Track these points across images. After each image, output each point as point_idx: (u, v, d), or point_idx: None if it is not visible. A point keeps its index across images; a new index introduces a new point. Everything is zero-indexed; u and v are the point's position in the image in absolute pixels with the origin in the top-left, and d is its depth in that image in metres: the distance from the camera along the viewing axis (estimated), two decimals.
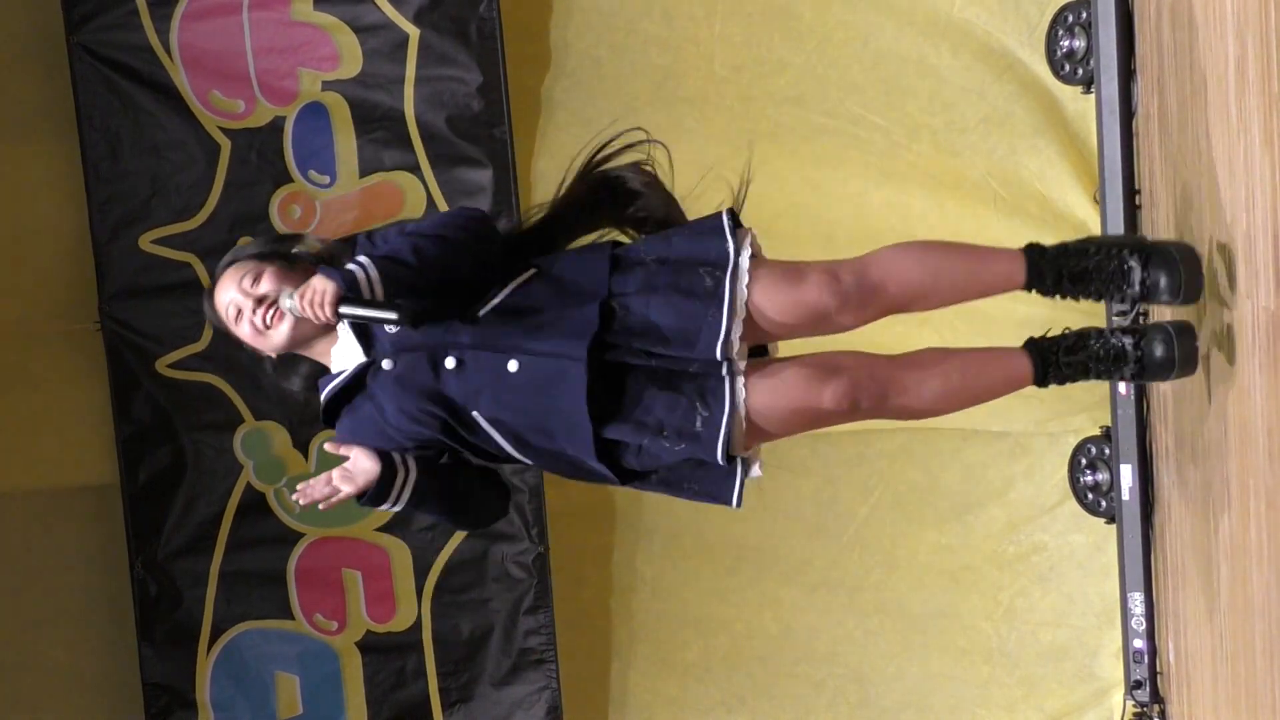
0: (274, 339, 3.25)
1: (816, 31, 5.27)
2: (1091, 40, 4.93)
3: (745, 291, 3.16)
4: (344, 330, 3.21)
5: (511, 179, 5.27)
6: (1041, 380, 3.36)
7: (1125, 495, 5.04)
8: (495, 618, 5.50)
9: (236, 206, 5.34)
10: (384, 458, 3.21)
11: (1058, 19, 5.08)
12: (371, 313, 3.06)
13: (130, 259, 5.35)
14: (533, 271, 3.22)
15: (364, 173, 5.34)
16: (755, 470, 3.28)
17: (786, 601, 5.58)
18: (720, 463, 3.14)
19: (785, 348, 3.39)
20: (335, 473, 3.25)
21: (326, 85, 5.29)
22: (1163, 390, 4.55)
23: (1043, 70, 5.15)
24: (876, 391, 3.21)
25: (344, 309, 3.04)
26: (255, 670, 5.52)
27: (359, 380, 3.23)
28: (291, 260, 3.29)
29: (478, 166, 5.29)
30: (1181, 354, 3.31)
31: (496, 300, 3.17)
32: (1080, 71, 5.03)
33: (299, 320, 3.19)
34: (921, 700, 5.53)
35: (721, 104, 5.33)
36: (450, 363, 3.14)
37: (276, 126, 5.32)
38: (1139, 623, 5.05)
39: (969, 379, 3.30)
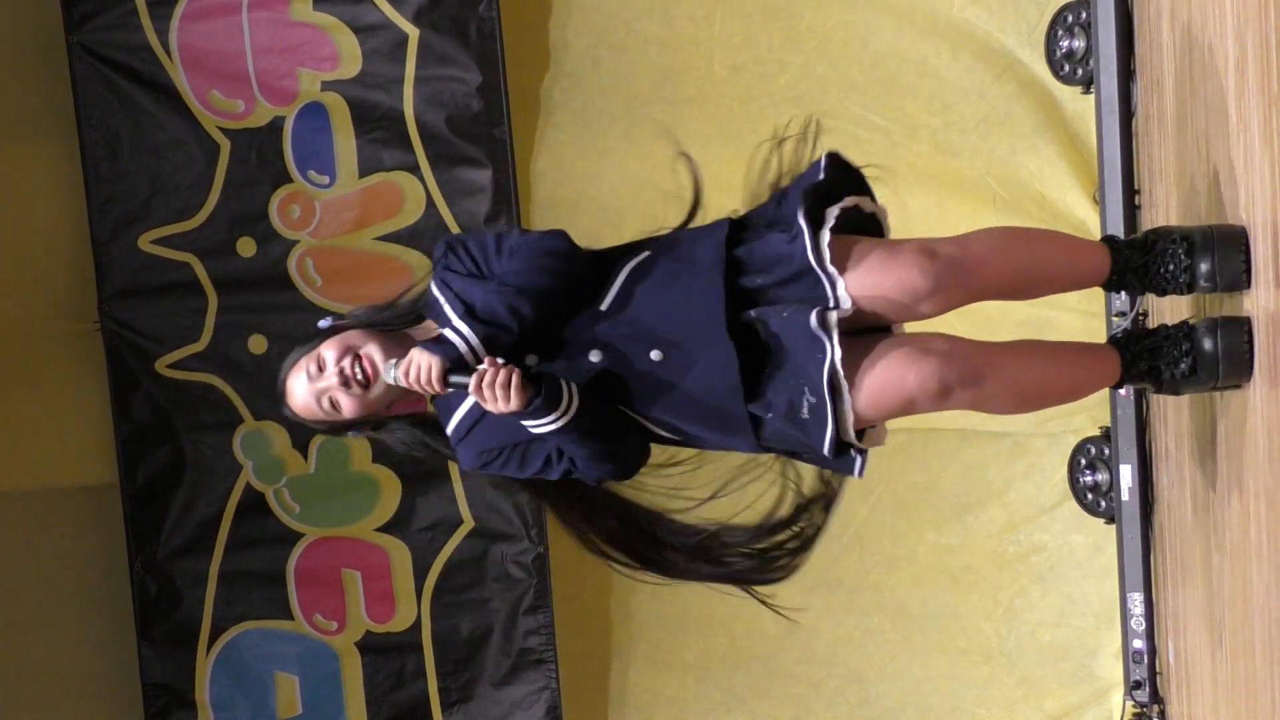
0: (378, 388, 3.10)
1: (816, 32, 5.27)
2: (1091, 40, 4.93)
3: (829, 231, 3.01)
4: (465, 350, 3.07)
5: (511, 179, 5.27)
6: (1125, 380, 3.22)
7: (1125, 495, 5.04)
8: (495, 618, 5.50)
9: (236, 206, 5.35)
10: (545, 373, 3.02)
11: (1057, 19, 5.08)
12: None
13: (130, 259, 5.35)
14: (646, 254, 3.11)
15: (363, 173, 5.34)
16: (880, 439, 3.16)
17: (786, 601, 5.56)
18: (829, 455, 3.04)
19: None
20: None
21: (326, 85, 5.29)
22: None
23: (1042, 70, 5.15)
24: (971, 374, 3.06)
25: (453, 379, 2.98)
26: (255, 670, 5.52)
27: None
28: (333, 330, 3.15)
29: (477, 166, 5.29)
30: (1225, 346, 3.07)
31: (615, 289, 3.07)
32: (1080, 71, 5.03)
33: (399, 349, 3.08)
34: (921, 700, 5.53)
35: (721, 104, 5.33)
36: (594, 356, 3.04)
37: (276, 126, 5.32)
38: (1139, 623, 5.05)
39: (1063, 372, 3.17)
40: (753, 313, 3.05)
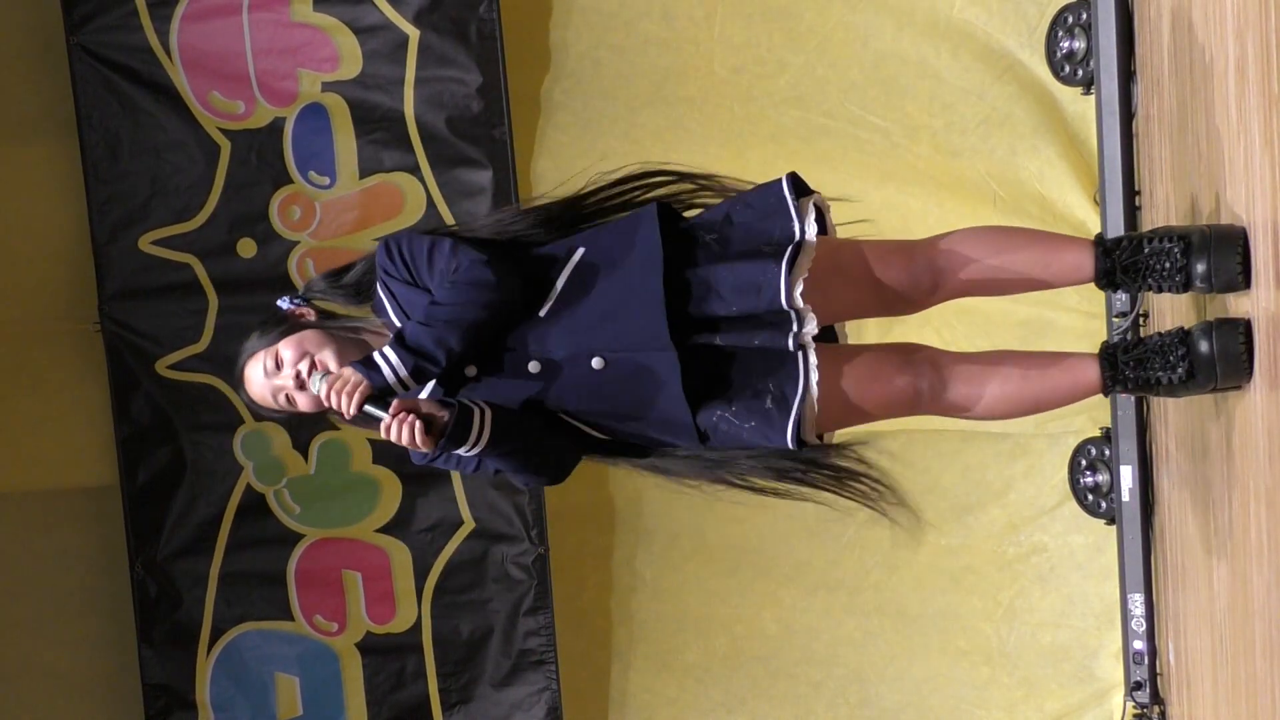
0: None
1: (817, 32, 5.27)
2: (1091, 41, 4.93)
3: (809, 262, 3.06)
4: None
5: (511, 180, 5.27)
6: (1110, 388, 3.22)
7: (1125, 496, 5.04)
8: (495, 619, 5.50)
9: (236, 207, 5.35)
10: (457, 402, 3.11)
11: (1057, 20, 5.08)
12: (382, 414, 3.08)
13: (130, 260, 5.35)
14: (581, 253, 3.15)
15: (364, 174, 5.34)
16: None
17: (786, 602, 5.58)
18: (791, 446, 3.08)
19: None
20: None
21: (326, 86, 5.29)
22: None
23: (1043, 71, 5.15)
24: (940, 384, 3.14)
25: (368, 408, 3.08)
26: (255, 671, 5.52)
27: (445, 388, 3.18)
28: (292, 324, 3.24)
29: (477, 167, 5.29)
30: (1220, 349, 3.05)
31: (555, 295, 3.12)
32: (1080, 72, 5.03)
33: (354, 352, 3.18)
34: (921, 701, 5.53)
35: (721, 105, 5.33)
36: (534, 366, 3.11)
37: (276, 127, 5.32)
38: (1139, 624, 5.05)
39: (1034, 383, 3.20)
40: (718, 339, 3.08)
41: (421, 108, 5.28)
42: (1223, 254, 3.05)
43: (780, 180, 3.18)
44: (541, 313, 3.12)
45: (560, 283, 3.13)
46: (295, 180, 5.35)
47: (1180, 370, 3.12)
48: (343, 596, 5.50)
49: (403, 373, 3.07)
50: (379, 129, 5.31)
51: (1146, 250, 3.15)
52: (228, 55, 5.29)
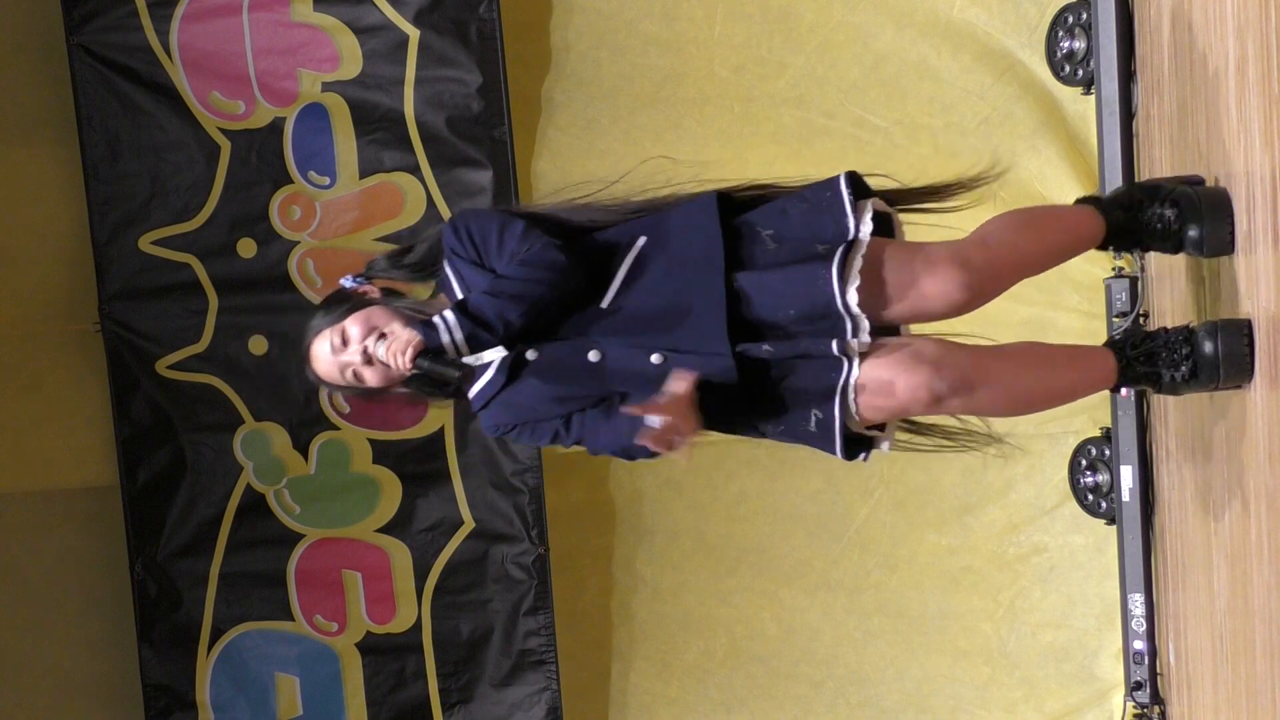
0: (396, 372, 3.22)
1: (817, 33, 5.27)
2: (1091, 41, 4.93)
3: (860, 262, 3.08)
4: None
5: (511, 180, 5.27)
6: (1121, 383, 3.27)
7: (1125, 496, 5.04)
8: (495, 619, 5.49)
9: (236, 208, 5.35)
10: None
11: (1058, 20, 5.08)
12: (437, 367, 3.15)
13: (130, 260, 5.35)
14: (642, 242, 3.18)
15: (364, 174, 5.34)
16: (884, 446, 3.21)
17: (787, 602, 5.58)
18: (841, 456, 3.11)
19: None
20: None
21: (326, 86, 5.29)
22: None
23: (1043, 71, 5.15)
24: (961, 383, 3.13)
25: (421, 362, 3.14)
26: (255, 671, 5.52)
27: (508, 372, 3.22)
28: (357, 302, 3.28)
29: (478, 167, 5.29)
30: (1225, 350, 3.10)
31: (616, 285, 3.16)
32: (1080, 72, 5.03)
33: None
34: (921, 701, 5.53)
35: (722, 105, 5.33)
36: (594, 356, 3.15)
37: (276, 128, 5.32)
38: (1139, 624, 5.05)
39: (1057, 376, 3.22)
40: (766, 346, 3.10)
41: (422, 108, 5.28)
42: (1215, 221, 3.15)
43: (838, 177, 3.20)
44: (604, 303, 3.15)
45: (622, 273, 3.16)
46: (295, 180, 5.35)
47: (1184, 369, 3.15)
48: (343, 596, 5.50)
49: (459, 336, 3.12)
50: (379, 129, 5.31)
51: (1144, 217, 3.26)
52: (228, 55, 5.28)
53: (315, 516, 5.48)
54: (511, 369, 3.19)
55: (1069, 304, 5.05)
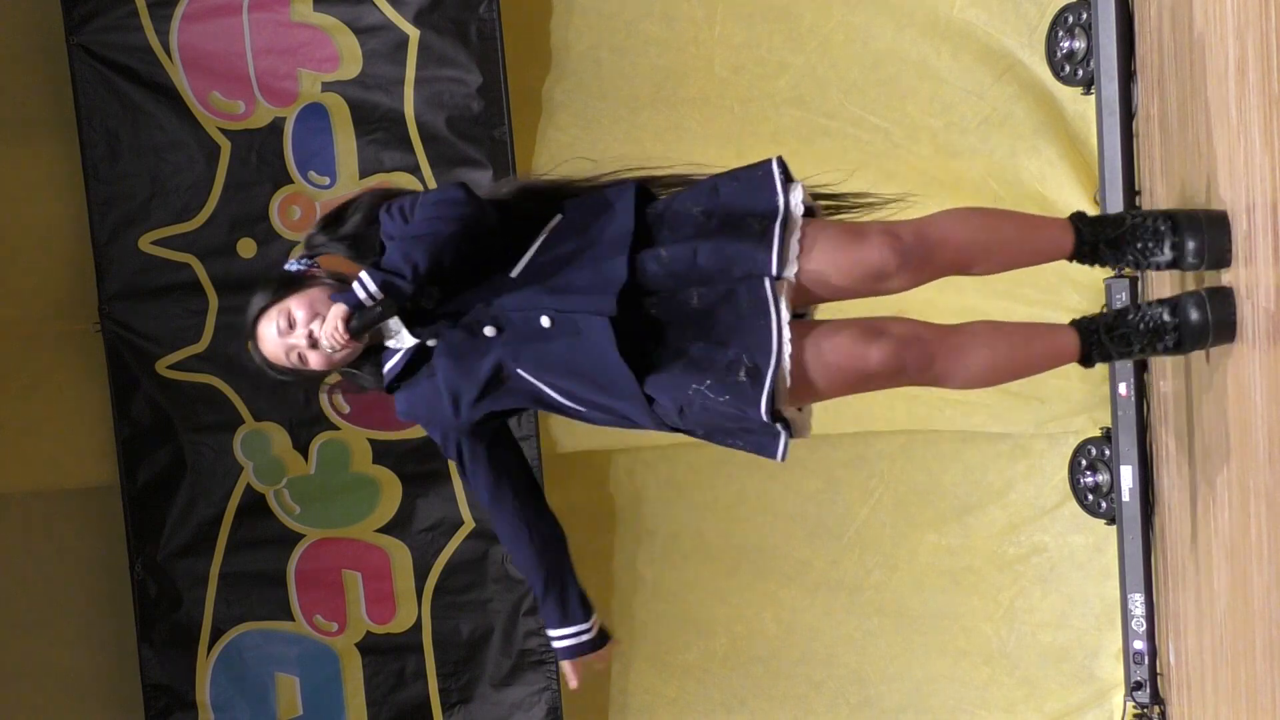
0: (341, 350, 3.28)
1: (817, 33, 5.27)
2: (1091, 41, 4.92)
3: (796, 246, 3.15)
4: (395, 320, 3.29)
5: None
6: (1087, 358, 3.30)
7: (1125, 496, 5.04)
8: (495, 619, 5.50)
9: (236, 208, 5.35)
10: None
11: (1058, 20, 5.08)
12: (369, 318, 3.21)
13: (130, 260, 5.35)
14: (559, 219, 3.26)
15: (364, 174, 5.34)
16: (805, 430, 3.24)
17: (787, 602, 5.58)
18: (765, 418, 3.11)
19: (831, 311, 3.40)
20: None
21: (326, 86, 5.29)
22: (1164, 391, 4.55)
23: (1043, 71, 5.15)
24: (923, 354, 3.17)
25: (353, 324, 3.19)
26: (255, 671, 5.52)
27: (417, 359, 3.30)
28: (303, 281, 3.34)
29: (477, 167, 5.28)
30: (1216, 317, 3.17)
31: (527, 257, 3.22)
32: (1080, 73, 5.03)
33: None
34: (921, 701, 5.53)
35: (722, 105, 5.33)
36: (489, 330, 3.20)
37: (276, 127, 5.32)
38: (1139, 624, 5.05)
39: (1015, 351, 3.26)
40: (694, 297, 3.14)
41: (421, 108, 5.28)
42: (1216, 232, 3.18)
43: (769, 160, 3.27)
44: (514, 273, 3.21)
45: (535, 245, 3.23)
46: (295, 180, 5.35)
47: (1169, 340, 3.24)
48: (343, 596, 5.50)
49: (372, 288, 3.16)
50: (379, 129, 5.31)
51: (1129, 224, 3.29)
52: (228, 55, 5.29)
53: (315, 516, 5.48)
54: (416, 357, 3.27)
55: (1069, 304, 5.05)
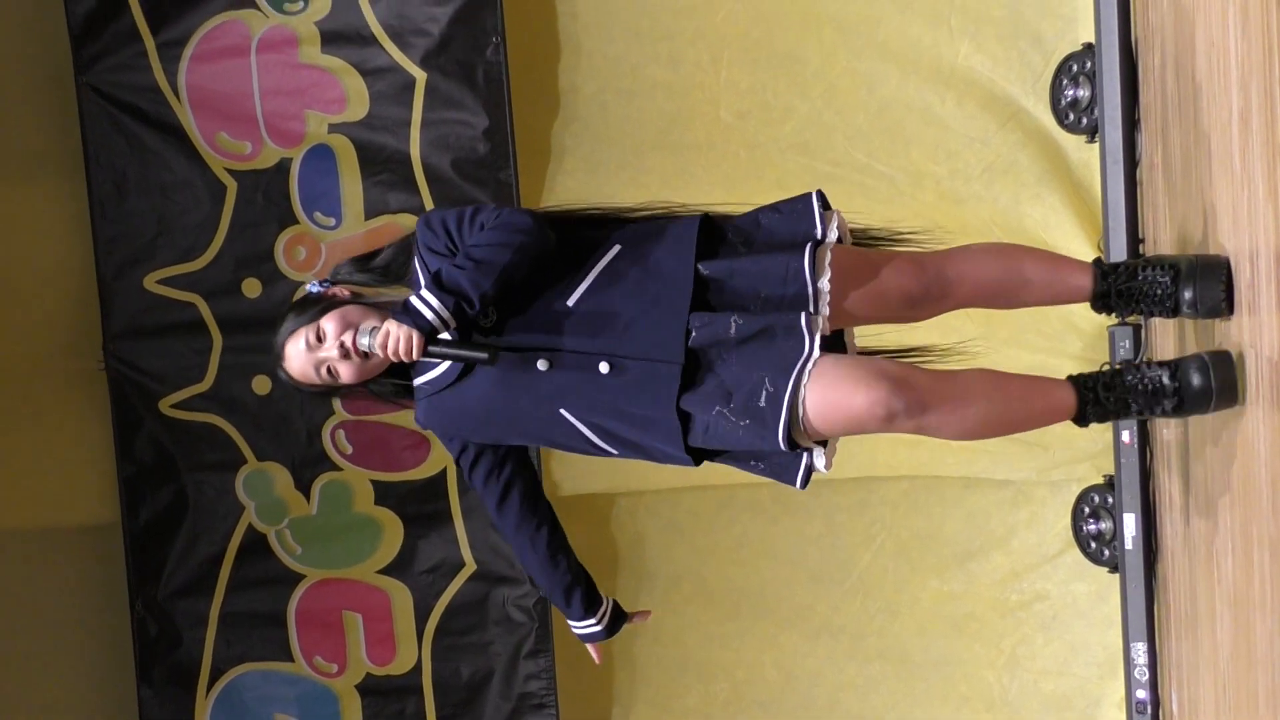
0: (375, 359, 3.29)
1: (822, 79, 5.29)
2: (1095, 89, 4.94)
3: (830, 255, 3.22)
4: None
5: None
6: (1081, 417, 3.29)
7: (1128, 544, 5.03)
8: (496, 661, 5.48)
9: (242, 247, 5.36)
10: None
11: (1062, 68, 5.10)
12: (458, 352, 3.20)
13: (135, 299, 5.36)
14: (617, 250, 3.27)
15: (369, 215, 5.35)
16: (820, 462, 3.23)
17: (788, 647, 5.57)
18: (781, 446, 3.13)
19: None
20: None
21: (333, 128, 5.32)
22: (1166, 439, 4.55)
23: (1047, 119, 5.17)
24: (916, 404, 3.16)
25: (432, 348, 3.19)
26: (255, 712, 5.50)
27: (463, 372, 3.29)
28: (325, 303, 3.35)
29: None
30: (1218, 382, 3.17)
31: (584, 287, 3.22)
32: (1084, 120, 5.05)
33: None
34: None
35: (727, 150, 5.35)
36: (542, 365, 3.20)
37: (283, 168, 5.33)
38: (1142, 673, 5.03)
39: (1011, 406, 3.25)
40: (735, 317, 3.17)
41: (427, 150, 5.30)
42: (1207, 281, 3.24)
43: (810, 193, 3.37)
44: (570, 301, 3.21)
45: (592, 275, 3.24)
46: (301, 221, 5.36)
47: (1168, 404, 3.23)
48: (343, 637, 5.48)
49: (445, 314, 3.16)
50: (385, 170, 5.33)
51: (1140, 277, 3.35)
52: (236, 96, 5.31)
53: (316, 557, 5.47)
54: (464, 370, 3.26)
55: (1072, 350, 5.06)
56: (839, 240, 3.31)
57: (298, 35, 5.28)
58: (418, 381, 3.35)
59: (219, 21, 5.29)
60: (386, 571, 5.46)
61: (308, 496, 5.43)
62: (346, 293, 3.37)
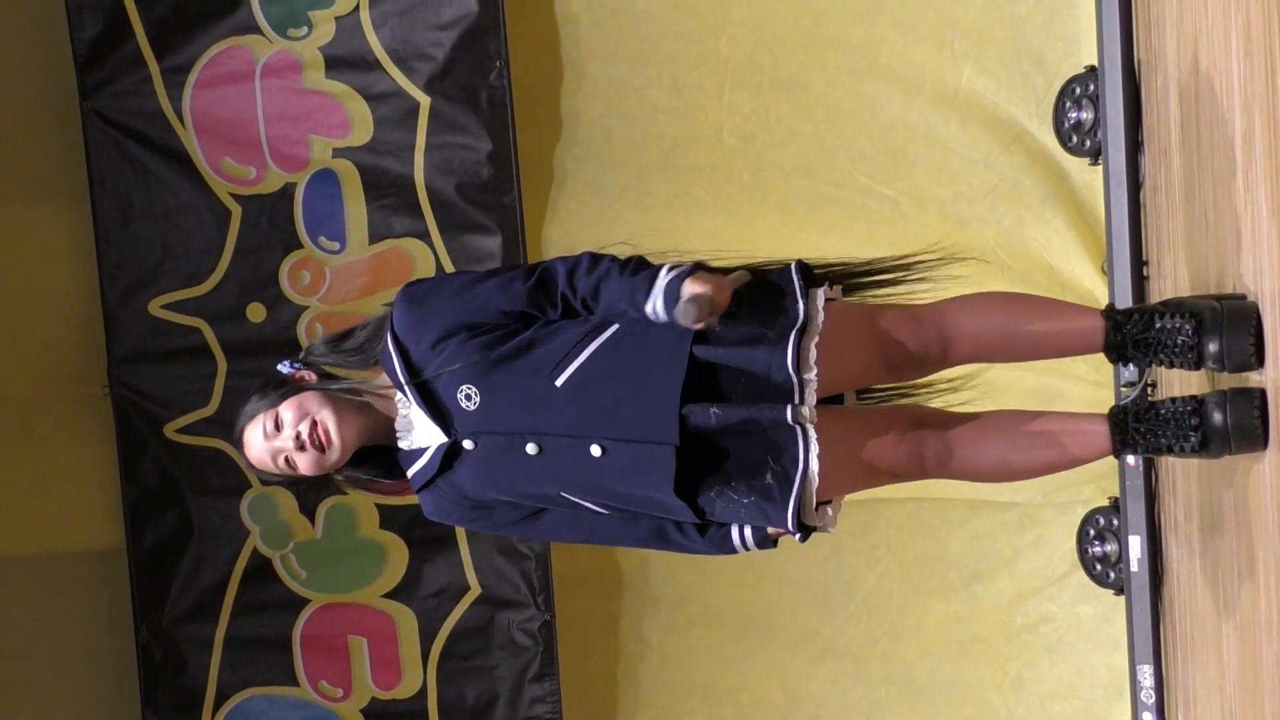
0: (333, 453, 3.14)
1: (825, 102, 5.30)
2: (1099, 112, 4.95)
3: (816, 339, 3.01)
4: (415, 412, 3.12)
5: (521, 246, 5.29)
6: (1118, 451, 3.17)
7: (1134, 567, 5.02)
8: (501, 685, 5.47)
9: (246, 272, 5.37)
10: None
11: (1065, 91, 5.11)
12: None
13: (140, 323, 5.37)
14: (614, 329, 3.07)
15: (373, 239, 5.36)
16: (829, 525, 3.12)
17: (793, 670, 5.56)
18: (791, 530, 3.02)
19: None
20: None
21: (337, 152, 5.33)
22: (1171, 461, 4.54)
23: (1050, 142, 5.17)
24: (944, 450, 3.10)
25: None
26: None
27: (449, 457, 3.13)
28: (291, 386, 3.20)
29: (487, 234, 5.31)
30: (1234, 421, 3.00)
31: (576, 365, 3.04)
32: (1088, 143, 5.05)
33: (355, 414, 3.14)
34: None
35: (730, 173, 5.36)
36: (531, 449, 3.05)
37: (287, 193, 5.35)
38: (1148, 695, 5.02)
39: (1041, 448, 3.16)
40: (714, 409, 3.00)
41: (431, 174, 5.31)
42: (1235, 333, 3.00)
43: (789, 266, 3.13)
44: (558, 380, 3.04)
45: (585, 354, 3.05)
46: (305, 245, 5.37)
47: (1193, 440, 3.09)
48: (348, 662, 5.48)
49: (673, 280, 2.98)
50: (389, 195, 5.34)
51: (1158, 326, 3.11)
52: (240, 121, 5.32)
53: (321, 581, 5.47)
54: (446, 457, 3.11)
55: (1077, 373, 5.05)
56: (830, 300, 3.10)
57: (301, 60, 5.29)
58: (410, 473, 3.19)
59: (223, 47, 5.31)
60: (391, 595, 5.46)
61: (313, 520, 5.43)
62: (314, 377, 3.20)
